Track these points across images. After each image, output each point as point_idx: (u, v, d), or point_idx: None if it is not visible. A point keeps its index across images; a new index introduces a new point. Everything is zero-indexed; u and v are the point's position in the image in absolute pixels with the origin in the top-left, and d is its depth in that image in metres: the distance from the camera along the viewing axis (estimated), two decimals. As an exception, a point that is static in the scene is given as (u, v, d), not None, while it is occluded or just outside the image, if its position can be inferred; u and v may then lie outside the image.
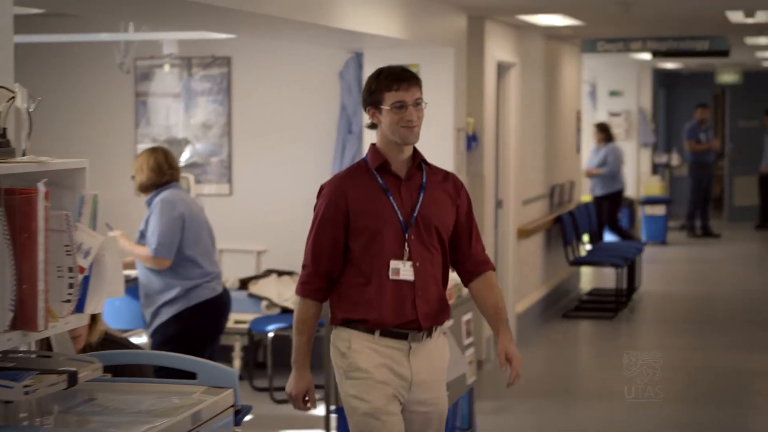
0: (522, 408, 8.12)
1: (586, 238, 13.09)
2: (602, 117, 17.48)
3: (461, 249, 4.60)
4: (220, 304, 6.90)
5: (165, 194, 6.73)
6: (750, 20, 10.42)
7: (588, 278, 13.88)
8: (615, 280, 11.92)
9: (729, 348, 10.00)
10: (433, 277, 4.47)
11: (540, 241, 11.79)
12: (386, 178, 4.48)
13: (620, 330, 11.10)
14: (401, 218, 4.44)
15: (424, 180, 4.53)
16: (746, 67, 19.73)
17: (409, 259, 4.40)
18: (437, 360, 4.52)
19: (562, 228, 12.04)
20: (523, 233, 10.72)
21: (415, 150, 4.54)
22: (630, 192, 17.27)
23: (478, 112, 9.46)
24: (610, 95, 17.67)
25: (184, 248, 6.70)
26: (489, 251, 9.72)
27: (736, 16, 10.24)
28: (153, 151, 6.90)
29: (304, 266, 4.47)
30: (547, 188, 12.22)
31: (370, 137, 8.74)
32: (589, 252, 12.80)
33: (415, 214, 4.45)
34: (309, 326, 4.47)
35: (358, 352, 4.38)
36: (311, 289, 4.44)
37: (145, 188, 6.79)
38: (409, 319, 4.40)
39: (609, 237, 15.92)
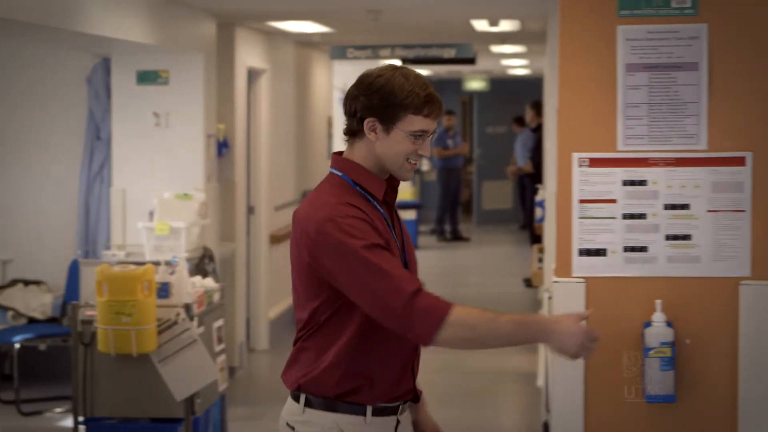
0: (276, 414, 8.11)
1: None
2: (354, 123, 17.66)
3: None
4: None
5: None
6: (494, 29, 10.71)
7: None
8: (367, 284, 12.04)
9: (480, 350, 10.23)
10: None
11: (293, 247, 11.80)
12: (383, 207, 3.38)
13: (373, 333, 11.23)
14: (401, 256, 3.38)
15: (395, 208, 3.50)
16: (493, 74, 20.28)
17: None
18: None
19: (315, 233, 12.09)
20: (276, 239, 10.73)
21: None
22: (382, 197, 17.51)
23: (229, 118, 9.44)
24: (361, 102, 17.85)
25: None
26: (241, 258, 9.77)
27: (481, 25, 10.51)
28: None
29: (404, 304, 3.16)
30: (299, 194, 12.26)
31: (125, 144, 8.63)
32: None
33: (405, 251, 3.43)
34: (490, 312, 3.23)
35: None
36: (444, 300, 3.21)
37: None
38: (406, 388, 3.46)
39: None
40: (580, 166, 3.89)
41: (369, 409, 3.34)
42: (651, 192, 3.91)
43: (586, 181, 3.90)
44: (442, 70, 18.44)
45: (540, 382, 8.14)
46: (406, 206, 17.44)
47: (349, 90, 3.35)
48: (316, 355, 3.37)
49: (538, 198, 11.06)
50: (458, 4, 9.11)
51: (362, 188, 3.32)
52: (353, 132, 3.35)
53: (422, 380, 9.49)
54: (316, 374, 3.36)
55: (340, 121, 16.63)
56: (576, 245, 3.92)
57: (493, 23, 10.33)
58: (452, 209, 18.79)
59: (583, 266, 3.91)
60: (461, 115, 22.79)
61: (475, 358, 9.84)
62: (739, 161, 3.90)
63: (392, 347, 3.33)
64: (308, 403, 3.38)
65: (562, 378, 3.97)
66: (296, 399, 3.42)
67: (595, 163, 3.89)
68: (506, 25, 10.49)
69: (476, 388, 8.80)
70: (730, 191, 3.90)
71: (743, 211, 3.90)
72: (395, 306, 3.15)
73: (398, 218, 3.47)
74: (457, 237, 18.78)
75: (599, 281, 3.93)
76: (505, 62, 17.01)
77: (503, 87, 21.34)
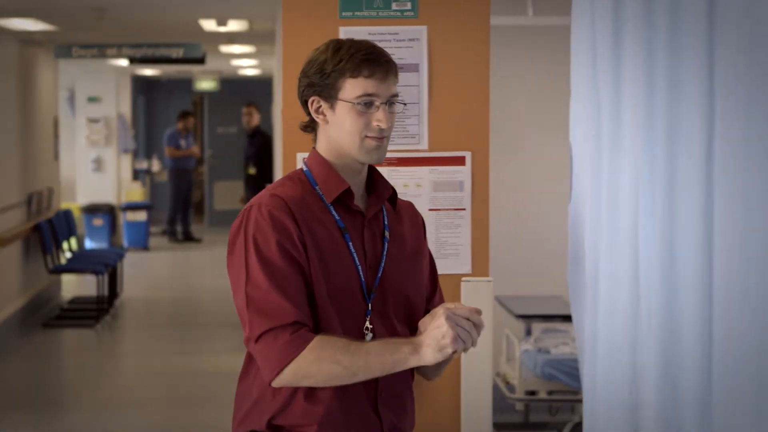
0: (2, 423, 7.88)
1: (66, 245, 12.88)
2: (81, 123, 17.31)
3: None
4: None
5: None
6: (223, 29, 10.67)
7: (70, 286, 13.68)
8: (96, 288, 11.83)
9: (210, 350, 10.19)
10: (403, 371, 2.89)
11: (18, 250, 11.48)
12: (343, 214, 2.94)
13: (103, 337, 11.02)
14: (363, 278, 2.92)
15: (385, 219, 3.01)
16: (223, 74, 20.20)
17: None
18: None
19: (41, 236, 11.78)
20: (0, 242, 10.41)
21: (371, 169, 3.01)
22: (111, 198, 17.22)
23: (-53, 118, 9.10)
24: (89, 101, 17.50)
25: None
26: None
27: (210, 25, 10.46)
28: None
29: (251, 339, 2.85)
30: (24, 196, 11.92)
31: None
32: (69, 260, 12.62)
33: (379, 275, 2.95)
34: (345, 342, 2.80)
35: None
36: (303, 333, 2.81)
37: None
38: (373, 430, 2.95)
39: (90, 244, 15.85)
40: (305, 166, 3.91)
41: None
42: (375, 191, 3.96)
43: (311, 180, 3.92)
44: (172, 69, 18.27)
45: (272, 381, 8.17)
46: (136, 207, 17.19)
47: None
48: (246, 390, 3.06)
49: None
50: (186, 3, 9.04)
51: (318, 187, 2.94)
52: (309, 126, 2.99)
53: (145, 384, 9.37)
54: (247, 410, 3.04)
55: (66, 122, 16.26)
56: (301, 245, 3.93)
57: (222, 23, 10.30)
58: (184, 210, 18.63)
59: (309, 265, 3.93)
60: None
61: (202, 359, 9.78)
62: (459, 161, 3.99)
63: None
64: None
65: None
66: None
67: (319, 163, 3.91)
68: (234, 25, 10.47)
69: (208, 388, 8.75)
70: (450, 190, 4.00)
71: (463, 209, 4.00)
72: (245, 336, 2.87)
73: (385, 233, 2.99)
74: (188, 238, 18.63)
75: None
76: (236, 62, 16.98)
77: (234, 87, 21.28)
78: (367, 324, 2.90)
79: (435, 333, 2.75)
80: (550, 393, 6.62)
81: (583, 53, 3.23)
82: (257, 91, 20.13)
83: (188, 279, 14.98)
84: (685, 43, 2.93)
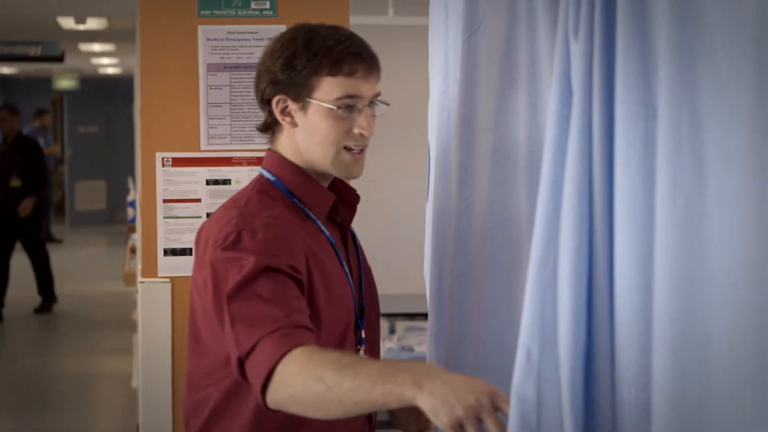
0: None
1: None
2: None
3: None
4: None
5: None
6: (82, 27, 10.54)
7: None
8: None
9: (67, 353, 10.05)
10: None
11: None
12: (330, 227, 2.52)
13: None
14: (356, 302, 2.52)
15: (352, 229, 2.66)
16: (83, 72, 19.92)
17: None
18: None
19: None
20: None
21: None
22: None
23: None
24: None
25: None
26: None
27: (68, 23, 10.32)
28: None
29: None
30: None
31: None
32: None
33: (363, 296, 2.58)
34: (337, 356, 2.11)
35: None
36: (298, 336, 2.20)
37: None
38: None
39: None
40: (164, 165, 3.88)
41: None
42: (235, 191, 3.94)
43: (170, 180, 3.89)
44: (30, 68, 17.97)
45: (135, 383, 8.09)
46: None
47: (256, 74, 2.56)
48: None
49: (129, 198, 10.98)
50: (43, 1, 8.92)
51: (300, 201, 2.49)
52: (268, 125, 2.54)
53: (4, 387, 9.06)
54: None
55: None
56: (161, 245, 3.90)
57: (80, 21, 10.17)
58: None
59: (169, 266, 3.90)
60: (52, 114, 22.29)
61: (58, 362, 9.65)
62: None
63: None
64: None
65: (151, 377, 3.95)
66: None
67: (178, 162, 3.89)
68: (93, 23, 10.35)
69: (68, 392, 8.63)
70: (311, 189, 4.00)
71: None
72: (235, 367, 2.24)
73: (355, 244, 2.65)
74: (49, 239, 18.33)
75: (185, 281, 3.93)
76: (96, 60, 16.77)
77: (95, 85, 21.01)
78: (361, 351, 2.52)
79: (458, 392, 1.92)
80: (413, 390, 6.66)
81: (439, 53, 3.26)
82: (119, 89, 19.90)
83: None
84: (541, 45, 2.97)
